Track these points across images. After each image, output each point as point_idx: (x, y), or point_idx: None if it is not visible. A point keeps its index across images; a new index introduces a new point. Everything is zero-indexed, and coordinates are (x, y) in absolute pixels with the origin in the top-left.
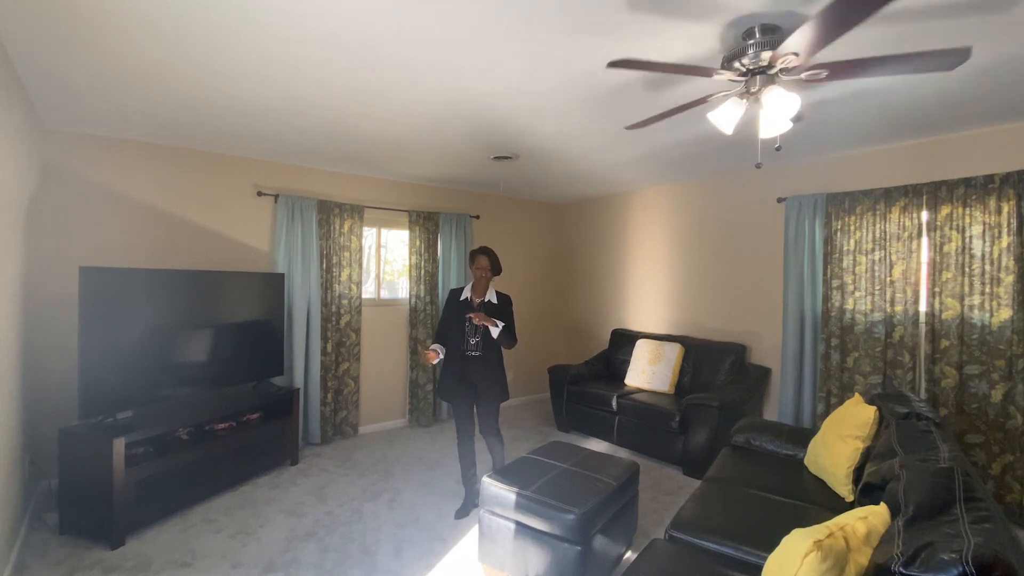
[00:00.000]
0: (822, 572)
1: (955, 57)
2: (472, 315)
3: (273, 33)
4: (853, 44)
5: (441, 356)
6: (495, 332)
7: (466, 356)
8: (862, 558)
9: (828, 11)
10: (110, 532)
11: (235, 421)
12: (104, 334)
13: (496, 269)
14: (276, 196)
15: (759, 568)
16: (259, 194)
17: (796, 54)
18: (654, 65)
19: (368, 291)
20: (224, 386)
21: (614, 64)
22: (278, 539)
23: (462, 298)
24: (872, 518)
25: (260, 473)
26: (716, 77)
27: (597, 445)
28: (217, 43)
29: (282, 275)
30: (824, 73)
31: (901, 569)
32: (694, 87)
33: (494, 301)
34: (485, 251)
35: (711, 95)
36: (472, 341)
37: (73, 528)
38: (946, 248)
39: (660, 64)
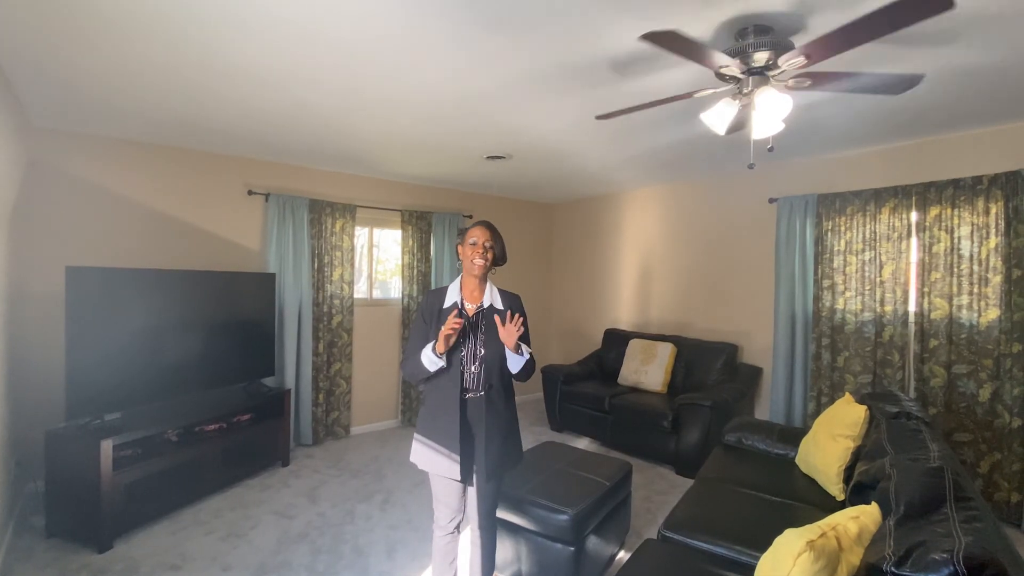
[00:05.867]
0: (815, 572)
1: (905, 83)
2: (452, 323)
3: (262, 33)
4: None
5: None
6: (518, 362)
7: (464, 398)
8: (854, 558)
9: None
10: (98, 535)
11: (225, 422)
12: (91, 334)
13: (501, 254)
14: (267, 195)
15: (751, 568)
16: (250, 193)
17: (808, 56)
18: (641, 106)
19: (360, 291)
20: (214, 387)
21: (603, 117)
22: (269, 541)
23: (447, 304)
24: (863, 518)
25: (251, 475)
26: (697, 95)
27: (590, 445)
28: (208, 43)
29: (273, 275)
30: (808, 82)
31: (893, 569)
32: (685, 84)
33: (498, 306)
34: (485, 224)
35: (697, 91)
36: (472, 371)
37: (60, 531)
38: (935, 248)
39: (645, 104)
